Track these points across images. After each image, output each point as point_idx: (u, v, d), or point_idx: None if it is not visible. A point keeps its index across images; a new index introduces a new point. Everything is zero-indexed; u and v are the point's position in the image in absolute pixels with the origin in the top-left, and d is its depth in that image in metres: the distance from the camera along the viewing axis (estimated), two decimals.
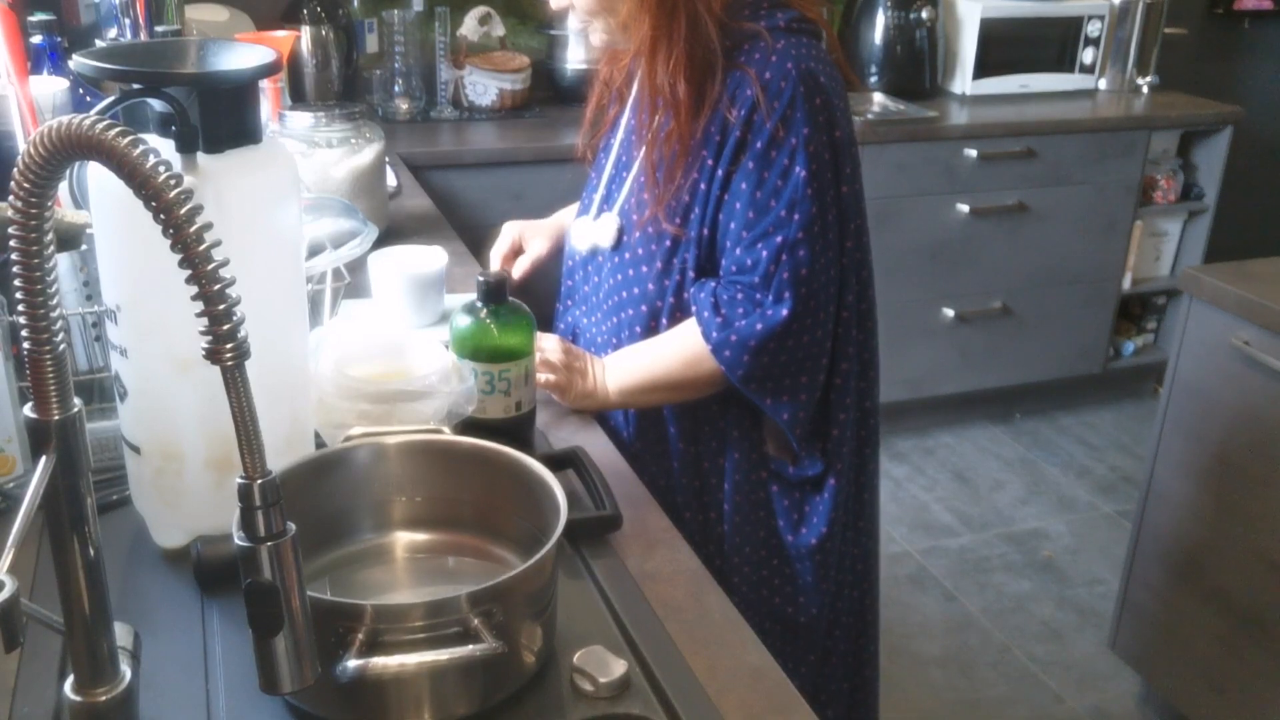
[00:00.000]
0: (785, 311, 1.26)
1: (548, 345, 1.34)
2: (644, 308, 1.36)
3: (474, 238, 2.19)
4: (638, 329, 1.37)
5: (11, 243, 0.61)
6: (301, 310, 1.04)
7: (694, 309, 1.32)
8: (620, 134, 1.44)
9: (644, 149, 1.32)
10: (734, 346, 1.28)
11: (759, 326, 1.27)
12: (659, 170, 1.31)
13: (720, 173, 1.28)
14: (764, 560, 1.41)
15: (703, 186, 1.30)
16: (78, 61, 0.87)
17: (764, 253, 1.26)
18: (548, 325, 1.45)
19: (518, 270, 1.62)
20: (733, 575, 1.40)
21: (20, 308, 0.63)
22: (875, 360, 1.43)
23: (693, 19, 1.23)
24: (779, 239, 1.25)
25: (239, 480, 0.61)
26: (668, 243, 1.32)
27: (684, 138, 1.28)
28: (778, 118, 1.24)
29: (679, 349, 1.32)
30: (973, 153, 3.11)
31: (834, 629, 1.47)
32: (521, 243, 1.64)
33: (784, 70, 1.24)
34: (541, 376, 1.31)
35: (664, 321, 1.35)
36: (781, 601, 1.42)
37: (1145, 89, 3.51)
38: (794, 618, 1.42)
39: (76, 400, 0.68)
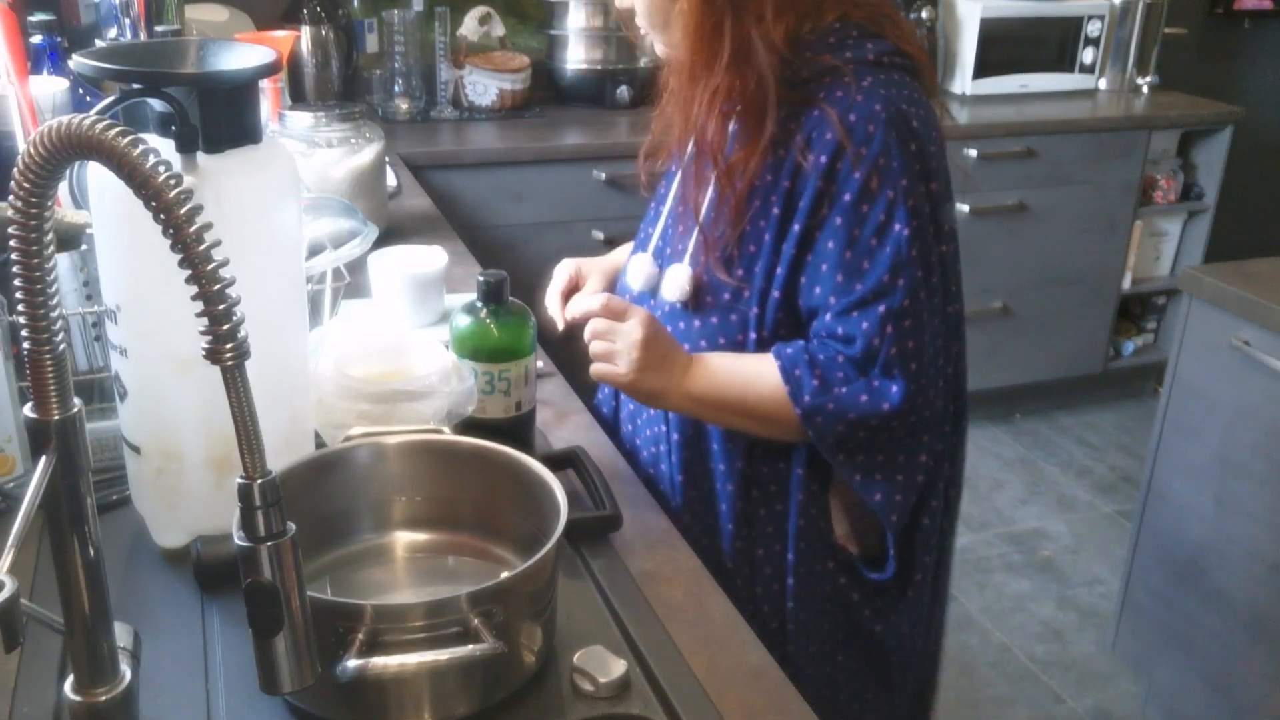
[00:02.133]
0: (896, 390, 1.08)
1: (630, 328, 1.13)
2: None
3: (474, 238, 2.19)
4: None
5: (11, 243, 0.61)
6: (301, 310, 1.04)
7: (780, 367, 1.12)
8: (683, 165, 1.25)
9: (690, 188, 1.17)
10: (829, 415, 1.09)
11: (864, 399, 1.09)
12: (720, 219, 1.15)
13: (797, 228, 1.11)
14: (829, 655, 1.24)
15: (768, 238, 1.13)
16: (78, 61, 0.87)
17: (864, 324, 1.08)
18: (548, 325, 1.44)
19: None
20: (799, 658, 1.23)
21: (20, 308, 0.63)
22: (963, 442, 1.24)
23: (743, 47, 1.08)
24: (881, 308, 1.07)
25: (239, 480, 0.61)
26: (745, 294, 1.16)
27: (732, 180, 1.12)
28: (869, 166, 1.07)
29: (773, 388, 1.12)
30: (973, 153, 3.10)
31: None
32: (579, 280, 1.42)
33: (871, 112, 1.08)
34: (604, 367, 1.15)
35: None
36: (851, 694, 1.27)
37: (1145, 89, 3.51)
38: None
39: (76, 400, 0.68)
